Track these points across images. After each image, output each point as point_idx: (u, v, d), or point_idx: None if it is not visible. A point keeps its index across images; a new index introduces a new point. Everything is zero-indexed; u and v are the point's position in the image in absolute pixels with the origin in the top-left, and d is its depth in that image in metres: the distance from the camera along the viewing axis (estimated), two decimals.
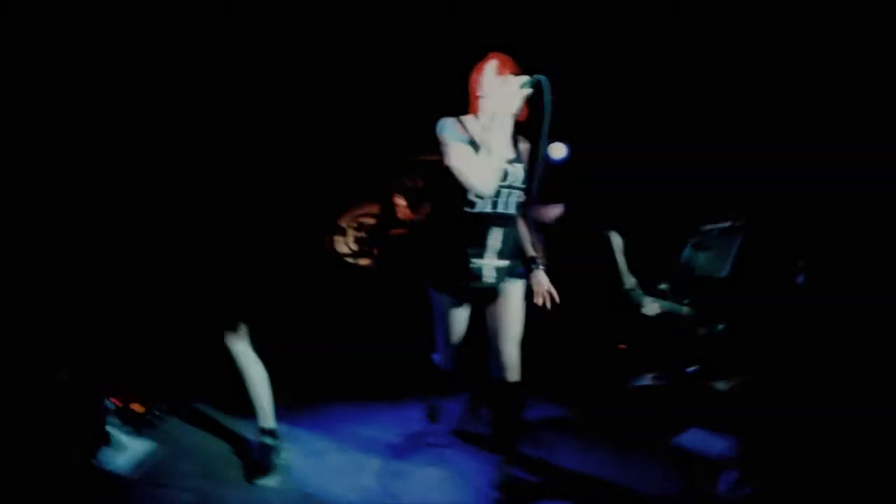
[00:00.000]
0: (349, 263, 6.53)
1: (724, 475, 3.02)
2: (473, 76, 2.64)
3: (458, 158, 2.49)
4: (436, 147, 2.58)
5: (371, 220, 6.43)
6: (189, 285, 3.46)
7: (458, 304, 2.79)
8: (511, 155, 2.61)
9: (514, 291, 2.75)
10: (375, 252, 6.44)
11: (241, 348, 3.02)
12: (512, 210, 2.65)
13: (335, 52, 5.28)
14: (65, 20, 3.70)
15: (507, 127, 2.52)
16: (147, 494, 2.80)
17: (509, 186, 2.60)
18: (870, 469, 2.81)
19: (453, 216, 2.61)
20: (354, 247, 6.56)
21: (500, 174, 2.52)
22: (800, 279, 4.12)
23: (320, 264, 6.39)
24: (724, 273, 4.39)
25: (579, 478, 3.07)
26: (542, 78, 2.41)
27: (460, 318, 2.84)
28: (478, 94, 2.63)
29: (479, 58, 2.64)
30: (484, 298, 2.76)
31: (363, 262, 6.50)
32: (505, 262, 2.68)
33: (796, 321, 3.98)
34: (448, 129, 2.55)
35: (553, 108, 2.41)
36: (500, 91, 2.51)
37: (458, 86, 2.76)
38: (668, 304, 4.59)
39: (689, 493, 2.97)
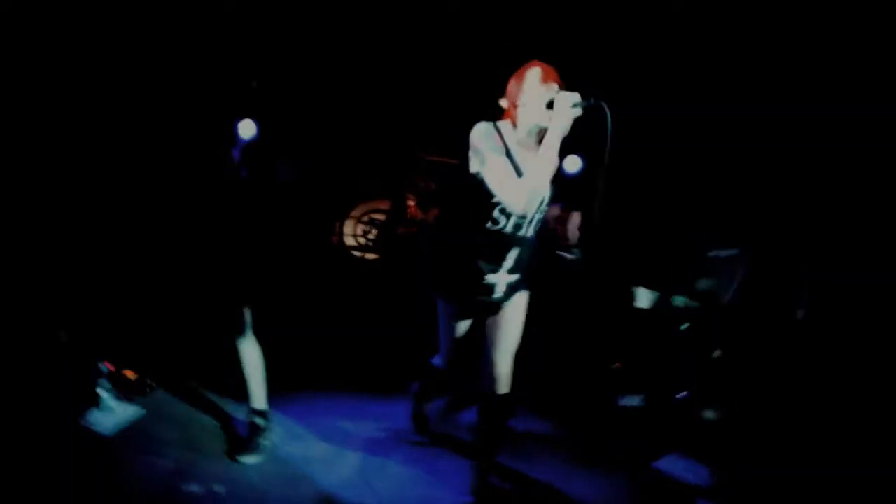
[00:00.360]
0: (356, 256, 6.59)
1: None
2: (512, 82, 2.46)
3: (497, 174, 2.35)
4: (462, 151, 2.44)
5: (381, 216, 6.48)
6: (196, 261, 3.51)
7: (465, 314, 2.76)
8: None
9: (517, 304, 2.72)
10: (383, 247, 6.49)
11: (243, 329, 3.06)
12: (532, 232, 2.56)
13: (357, 47, 5.33)
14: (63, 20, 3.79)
15: (555, 148, 2.31)
16: (129, 458, 2.85)
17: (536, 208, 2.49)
18: None
19: (473, 230, 2.50)
20: (362, 240, 6.61)
21: (540, 198, 2.40)
22: (801, 314, 4.12)
23: (327, 254, 6.44)
24: (724, 300, 4.39)
25: (554, 492, 3.09)
26: (603, 104, 2.19)
27: (464, 326, 2.81)
28: (516, 102, 2.44)
29: (511, 61, 2.46)
30: (489, 309, 2.72)
31: (370, 255, 6.55)
32: (516, 277, 2.64)
33: (794, 356, 3.98)
34: (487, 138, 2.38)
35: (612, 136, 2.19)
36: (544, 104, 2.35)
37: (476, 87, 2.72)
38: (658, 295, 4.59)
39: None
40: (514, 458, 3.30)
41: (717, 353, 4.25)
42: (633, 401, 4.38)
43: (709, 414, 4.04)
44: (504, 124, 2.47)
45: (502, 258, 2.55)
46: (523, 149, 2.45)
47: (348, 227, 6.56)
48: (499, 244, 2.52)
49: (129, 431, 3.06)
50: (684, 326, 4.56)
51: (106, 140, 3.98)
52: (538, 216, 2.54)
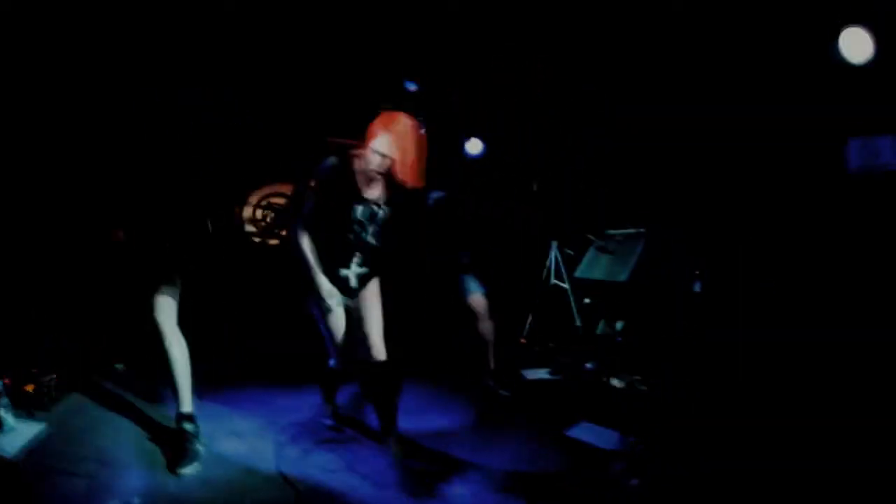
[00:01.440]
0: (255, 242, 6.47)
1: (611, 467, 3.24)
2: (376, 126, 2.99)
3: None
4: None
5: (281, 200, 6.38)
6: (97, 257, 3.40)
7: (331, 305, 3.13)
8: (376, 195, 3.09)
9: (371, 286, 3.24)
10: (282, 233, 6.41)
11: (169, 326, 2.99)
12: (374, 240, 3.16)
13: (261, 32, 5.18)
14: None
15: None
16: (38, 481, 2.74)
17: (372, 222, 3.12)
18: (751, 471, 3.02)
19: (326, 236, 3.07)
20: (262, 225, 6.50)
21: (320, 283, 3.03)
22: (697, 286, 4.45)
23: (227, 239, 6.29)
24: (623, 277, 4.69)
25: (467, 464, 3.19)
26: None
27: (336, 316, 3.17)
28: (367, 145, 2.99)
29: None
30: (350, 296, 3.17)
31: (270, 241, 6.45)
32: (364, 270, 3.19)
33: (690, 326, 4.31)
34: (323, 173, 3.04)
35: None
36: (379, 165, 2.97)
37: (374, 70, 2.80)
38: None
39: (577, 481, 3.11)
40: (426, 436, 3.43)
41: (619, 326, 4.55)
42: (539, 374, 4.63)
43: (616, 382, 4.32)
44: (358, 154, 3.04)
45: (350, 259, 3.14)
46: (368, 177, 3.04)
47: (247, 212, 6.44)
48: (348, 249, 3.13)
49: (36, 451, 2.94)
50: (587, 300, 4.85)
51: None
52: (374, 226, 3.13)
